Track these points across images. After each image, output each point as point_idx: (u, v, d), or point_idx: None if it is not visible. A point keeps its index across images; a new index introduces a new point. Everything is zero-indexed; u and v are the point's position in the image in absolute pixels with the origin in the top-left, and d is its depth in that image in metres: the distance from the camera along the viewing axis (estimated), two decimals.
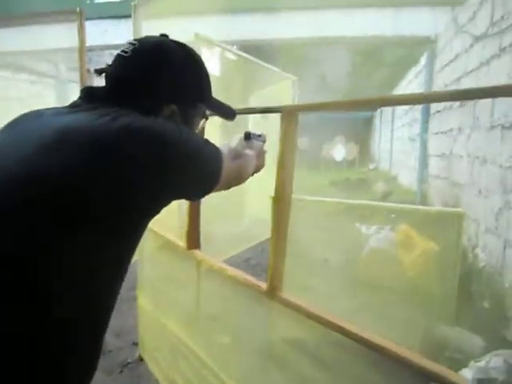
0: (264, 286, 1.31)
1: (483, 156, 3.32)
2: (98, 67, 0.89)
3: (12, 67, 7.08)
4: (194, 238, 1.75)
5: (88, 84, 2.15)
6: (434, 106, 5.40)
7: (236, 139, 1.21)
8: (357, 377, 1.29)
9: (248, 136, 1.19)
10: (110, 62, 0.89)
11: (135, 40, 0.88)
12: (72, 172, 0.67)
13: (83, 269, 0.69)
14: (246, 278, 1.40)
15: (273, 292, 1.28)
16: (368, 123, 17.28)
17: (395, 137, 10.70)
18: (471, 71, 3.75)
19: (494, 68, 3.17)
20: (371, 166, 14.71)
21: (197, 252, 1.73)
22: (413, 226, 3.25)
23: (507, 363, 1.73)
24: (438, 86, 5.18)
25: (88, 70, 2.31)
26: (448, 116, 4.64)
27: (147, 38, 0.92)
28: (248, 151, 1.13)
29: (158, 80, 0.86)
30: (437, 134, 5.26)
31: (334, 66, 7.03)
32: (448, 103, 4.59)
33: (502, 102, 2.98)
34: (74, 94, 0.90)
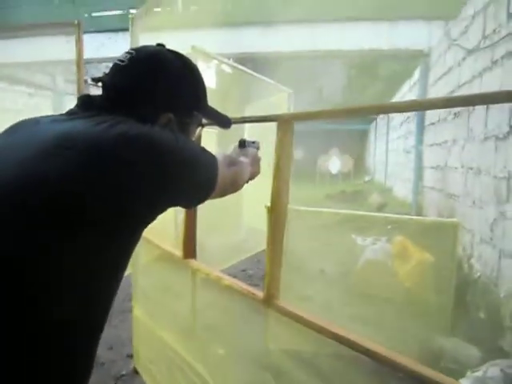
0: (261, 294, 1.31)
1: (477, 167, 3.35)
2: (94, 76, 0.90)
3: (9, 79, 7.11)
4: (190, 247, 1.74)
5: None
6: (429, 118, 5.46)
7: (232, 148, 1.22)
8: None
9: (243, 143, 1.20)
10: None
11: (132, 49, 0.89)
12: (70, 177, 0.68)
13: (83, 270, 0.70)
14: (242, 287, 1.40)
15: (270, 300, 1.27)
16: (363, 135, 17.40)
17: (390, 149, 10.78)
18: (464, 84, 3.81)
19: (486, 80, 3.22)
20: (366, 178, 14.78)
21: (193, 261, 1.72)
22: (408, 237, 3.26)
23: (504, 373, 1.72)
24: None
25: (85, 81, 2.32)
26: (442, 128, 4.69)
27: (144, 47, 0.93)
28: (243, 158, 1.14)
29: (154, 89, 0.87)
30: (431, 145, 5.30)
31: (330, 79, 7.11)
32: (442, 115, 4.64)
33: (496, 114, 3.02)
34: (70, 107, 0.90)
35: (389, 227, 3.53)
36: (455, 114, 4.07)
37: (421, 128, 5.78)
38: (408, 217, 3.87)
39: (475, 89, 3.44)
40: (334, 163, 14.62)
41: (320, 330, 1.10)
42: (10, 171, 0.70)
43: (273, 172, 1.24)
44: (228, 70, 4.09)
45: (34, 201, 0.67)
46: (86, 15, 6.47)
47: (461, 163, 3.83)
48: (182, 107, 0.92)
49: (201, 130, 1.10)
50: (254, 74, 4.40)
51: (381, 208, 7.53)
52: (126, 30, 2.35)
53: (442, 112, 4.60)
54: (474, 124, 3.49)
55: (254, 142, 1.24)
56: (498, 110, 2.97)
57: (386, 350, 0.98)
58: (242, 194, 4.85)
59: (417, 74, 6.41)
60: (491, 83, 3.10)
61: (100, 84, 0.90)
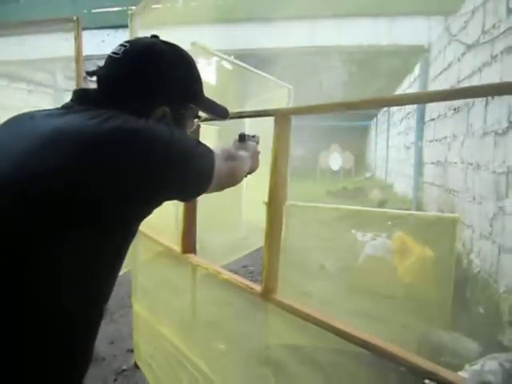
0: (259, 288, 1.32)
1: (477, 162, 3.35)
2: (90, 70, 0.90)
3: (10, 76, 7.12)
4: (188, 242, 1.75)
5: None
6: (429, 114, 5.45)
7: (231, 142, 1.22)
8: (352, 377, 1.30)
9: (243, 137, 1.20)
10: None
11: (126, 42, 0.88)
12: (64, 172, 0.68)
13: (76, 267, 0.70)
14: (240, 281, 1.40)
15: (268, 294, 1.28)
16: (364, 132, 17.38)
17: (391, 145, 10.77)
18: (463, 79, 3.80)
19: (486, 76, 3.22)
20: (367, 175, 14.77)
21: (192, 256, 1.73)
22: (408, 232, 3.27)
23: (502, 366, 1.73)
24: None
25: (84, 78, 2.32)
26: (442, 123, 4.69)
27: (138, 39, 0.93)
28: (242, 152, 1.14)
29: (149, 81, 0.87)
30: (431, 141, 5.30)
31: (329, 75, 7.09)
32: (442, 111, 4.64)
33: (495, 109, 3.02)
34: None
35: (389, 223, 3.53)
36: (455, 109, 4.07)
37: (421, 124, 5.78)
38: (407, 212, 3.88)
39: (475, 84, 3.43)
40: (335, 159, 14.62)
41: (318, 323, 1.11)
42: (6, 166, 0.70)
43: (270, 166, 1.24)
44: (228, 66, 4.09)
45: (31, 194, 0.67)
46: (86, 11, 6.46)
47: (460, 159, 3.83)
48: (178, 100, 0.92)
49: (197, 123, 1.10)
50: (254, 70, 4.40)
51: (381, 204, 7.53)
52: (125, 26, 2.34)
53: (441, 107, 4.59)
54: (473, 119, 3.49)
55: (253, 136, 1.25)
56: (498, 106, 2.96)
57: (383, 341, 0.99)
58: (242, 191, 4.86)
59: (417, 70, 6.40)
60: (490, 78, 3.09)
61: (95, 78, 0.90)
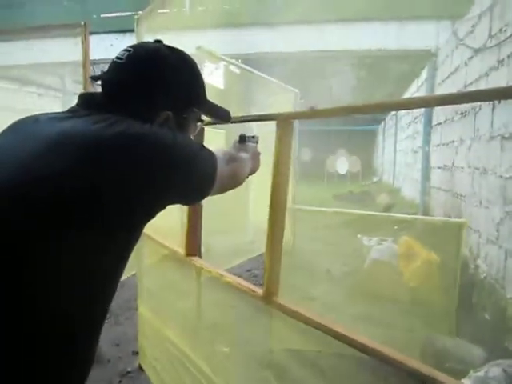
0: (260, 291, 1.32)
1: (483, 167, 3.34)
2: (95, 74, 0.91)
3: (20, 80, 7.20)
4: (192, 245, 1.76)
5: None
6: (436, 118, 5.42)
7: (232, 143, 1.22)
8: (353, 382, 1.30)
9: (243, 139, 1.21)
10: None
11: (130, 47, 0.89)
12: (68, 175, 0.69)
13: (79, 269, 0.71)
14: (242, 284, 1.41)
15: (269, 298, 1.28)
16: (372, 136, 17.33)
17: (398, 149, 10.74)
18: (470, 83, 3.79)
19: (493, 80, 3.20)
20: (375, 179, 14.72)
21: (195, 259, 1.74)
22: (414, 237, 3.26)
23: (506, 373, 1.72)
24: None
25: (92, 82, 2.35)
26: (449, 128, 4.67)
27: (142, 44, 0.94)
28: (243, 154, 1.14)
29: (152, 86, 0.88)
30: (438, 145, 5.28)
31: (337, 79, 7.09)
32: (449, 115, 4.62)
33: (502, 113, 3.00)
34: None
35: (395, 227, 3.53)
36: (462, 113, 4.05)
37: (428, 128, 5.75)
38: (413, 217, 3.87)
39: (481, 88, 3.42)
40: (342, 164, 14.59)
41: (318, 327, 1.11)
42: (10, 170, 0.71)
43: (272, 170, 1.25)
44: (234, 70, 4.11)
45: (34, 196, 0.68)
46: (95, 16, 6.53)
47: (467, 163, 3.81)
48: (181, 104, 0.92)
49: (201, 126, 1.11)
50: (260, 74, 4.41)
51: (388, 208, 7.51)
52: (133, 31, 2.37)
53: (448, 112, 4.58)
54: (480, 124, 3.48)
55: (253, 137, 1.25)
56: (504, 110, 2.95)
57: (385, 346, 0.98)
58: (249, 194, 4.87)
59: (424, 74, 6.38)
60: (497, 82, 3.08)
61: (99, 82, 0.92)
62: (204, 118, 1.04)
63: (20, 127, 0.84)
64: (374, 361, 0.99)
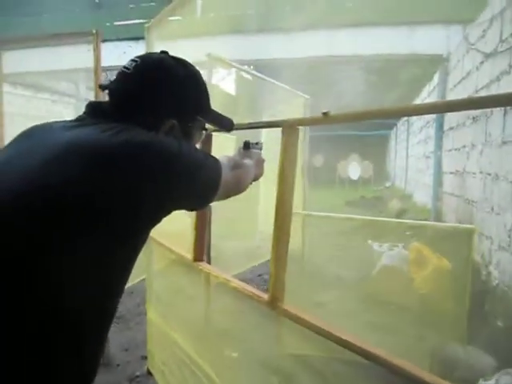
0: (266, 297, 1.32)
1: (495, 172, 3.30)
2: (102, 83, 0.93)
3: (34, 86, 7.33)
4: (200, 250, 1.77)
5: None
6: (448, 123, 5.38)
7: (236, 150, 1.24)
8: None
9: (247, 145, 1.22)
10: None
11: (137, 57, 0.92)
12: (75, 183, 0.71)
13: (86, 273, 0.72)
14: (248, 290, 1.41)
15: (274, 303, 1.29)
16: (384, 141, 17.23)
17: (410, 154, 10.66)
18: (482, 88, 3.75)
19: (504, 84, 3.18)
20: (387, 184, 14.62)
21: (202, 264, 1.75)
22: (424, 243, 3.23)
23: None
24: None
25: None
26: (461, 133, 4.63)
27: (148, 55, 0.97)
28: (247, 160, 1.16)
29: (158, 95, 0.90)
30: (450, 150, 5.23)
31: (347, 84, 7.08)
32: (461, 120, 4.58)
33: None
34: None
35: (407, 233, 3.50)
36: (473, 118, 4.01)
37: (440, 133, 5.71)
38: (424, 222, 3.83)
39: (493, 93, 3.39)
40: (354, 169, 14.52)
41: (323, 334, 1.11)
42: (18, 178, 0.73)
43: (277, 177, 1.26)
44: (244, 76, 4.13)
45: (38, 204, 0.70)
46: (108, 24, 6.64)
47: (479, 168, 3.77)
48: (186, 113, 0.95)
49: (205, 134, 1.13)
50: (271, 80, 4.42)
51: (400, 214, 7.44)
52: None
53: (460, 117, 4.54)
54: (491, 129, 3.44)
55: (257, 144, 1.26)
56: None
57: (388, 353, 0.98)
58: (258, 200, 4.88)
59: (436, 79, 6.34)
60: (509, 87, 3.05)
61: (107, 91, 0.94)
62: (208, 126, 1.06)
63: (30, 135, 0.86)
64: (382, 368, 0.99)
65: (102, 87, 0.95)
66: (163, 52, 0.97)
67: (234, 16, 5.30)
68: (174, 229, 2.28)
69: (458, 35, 4.83)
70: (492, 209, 3.33)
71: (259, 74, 4.28)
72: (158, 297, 2.35)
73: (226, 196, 1.04)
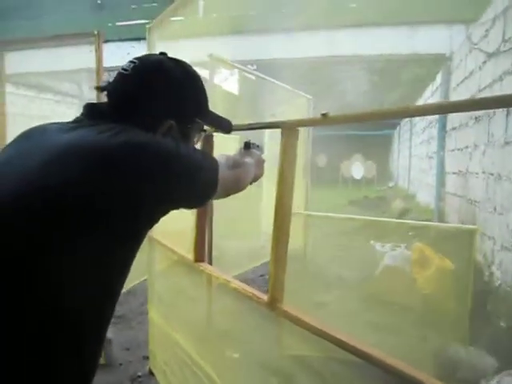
0: (265, 298, 1.32)
1: (498, 172, 3.29)
2: (100, 85, 0.93)
3: (37, 87, 7.36)
4: (201, 251, 1.77)
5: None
6: (450, 123, 5.37)
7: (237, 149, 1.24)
8: None
9: (248, 145, 1.22)
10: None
11: (135, 58, 0.92)
12: (73, 184, 0.71)
13: (86, 273, 0.73)
14: (248, 291, 1.41)
15: (273, 304, 1.29)
16: (387, 141, 17.18)
17: (413, 154, 10.64)
18: (484, 88, 3.74)
19: (507, 84, 3.16)
20: (390, 184, 14.58)
21: (203, 264, 1.75)
22: (427, 243, 3.22)
23: None
24: None
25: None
26: (463, 133, 4.61)
27: (147, 56, 0.97)
28: (247, 159, 1.16)
29: (156, 97, 0.90)
30: (453, 150, 5.22)
31: (350, 84, 7.07)
32: (464, 120, 4.57)
33: None
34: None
35: (410, 233, 3.49)
36: (476, 118, 4.00)
37: (442, 133, 5.70)
38: (426, 223, 3.82)
39: (495, 93, 3.37)
40: (358, 169, 14.50)
41: (322, 335, 1.11)
42: (16, 180, 0.73)
43: (277, 178, 1.26)
44: (246, 76, 4.13)
45: (37, 206, 0.70)
46: (111, 25, 6.66)
47: (482, 169, 3.76)
48: (184, 114, 0.95)
49: (206, 135, 1.13)
50: (273, 80, 4.42)
51: (403, 214, 7.43)
52: None
53: (463, 117, 4.53)
54: (494, 129, 3.43)
55: (258, 146, 1.26)
56: None
57: (386, 354, 0.98)
58: (261, 200, 4.88)
59: (439, 79, 6.32)
60: (511, 87, 3.04)
61: (105, 92, 0.94)
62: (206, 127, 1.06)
63: (29, 136, 0.86)
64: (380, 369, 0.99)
65: (100, 88, 0.95)
66: (162, 53, 0.98)
67: (235, 16, 5.30)
68: (176, 228, 2.28)
69: (460, 35, 4.81)
70: (495, 209, 3.32)
71: (261, 75, 4.28)
72: (160, 297, 2.35)
73: (226, 194, 1.04)
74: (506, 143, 3.11)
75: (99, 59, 2.44)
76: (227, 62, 3.56)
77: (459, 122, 4.81)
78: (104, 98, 0.94)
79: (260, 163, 1.23)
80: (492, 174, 3.44)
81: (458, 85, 5.03)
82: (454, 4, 4.86)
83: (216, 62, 3.26)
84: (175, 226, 2.33)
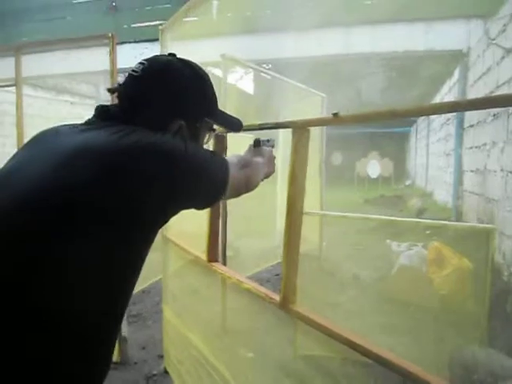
0: (278, 298, 1.32)
1: None
2: (111, 87, 0.94)
3: (55, 89, 7.48)
4: (214, 251, 1.78)
5: None
6: (468, 120, 5.28)
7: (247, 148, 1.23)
8: None
9: (258, 143, 1.21)
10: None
11: (145, 60, 0.93)
12: (84, 186, 0.72)
13: (93, 276, 0.73)
14: (261, 291, 1.41)
15: (285, 304, 1.28)
16: (404, 138, 16.97)
17: (431, 152, 10.50)
18: (502, 84, 3.67)
19: None
20: (407, 183, 14.41)
21: (217, 265, 1.76)
22: (443, 243, 3.18)
23: None
24: None
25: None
26: (481, 130, 4.53)
27: (156, 57, 0.97)
28: (258, 158, 1.15)
29: (166, 97, 0.91)
30: (471, 148, 5.13)
31: (366, 82, 7.00)
32: (482, 117, 4.48)
33: None
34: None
35: (427, 232, 3.45)
36: (494, 115, 3.92)
37: (460, 130, 5.60)
38: (443, 222, 3.76)
39: None
40: (374, 167, 14.34)
41: (333, 336, 1.10)
42: (30, 184, 0.74)
43: (288, 178, 1.25)
44: (260, 76, 4.12)
45: (49, 205, 0.71)
46: (126, 26, 6.73)
47: (500, 166, 3.69)
48: (193, 114, 0.96)
49: (218, 135, 1.12)
50: (287, 79, 4.41)
51: (421, 213, 7.34)
52: None
53: (481, 114, 4.44)
54: None
55: (268, 141, 1.24)
56: None
57: (398, 357, 0.97)
58: (276, 200, 4.88)
59: (456, 75, 6.22)
60: None
61: (116, 94, 0.95)
62: (216, 126, 1.06)
63: (40, 140, 0.87)
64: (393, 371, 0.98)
65: (111, 90, 0.96)
66: (171, 54, 0.98)
67: (248, 16, 5.30)
68: (192, 228, 2.30)
69: (478, 30, 4.72)
70: None
71: (275, 74, 4.27)
72: (174, 297, 2.36)
73: (237, 194, 1.04)
74: None
75: (113, 61, 2.47)
76: (240, 62, 3.56)
77: (477, 119, 4.72)
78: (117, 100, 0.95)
79: (271, 160, 1.22)
80: (511, 172, 3.36)
81: (475, 81, 4.94)
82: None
83: (229, 61, 3.26)
84: (190, 227, 2.35)
